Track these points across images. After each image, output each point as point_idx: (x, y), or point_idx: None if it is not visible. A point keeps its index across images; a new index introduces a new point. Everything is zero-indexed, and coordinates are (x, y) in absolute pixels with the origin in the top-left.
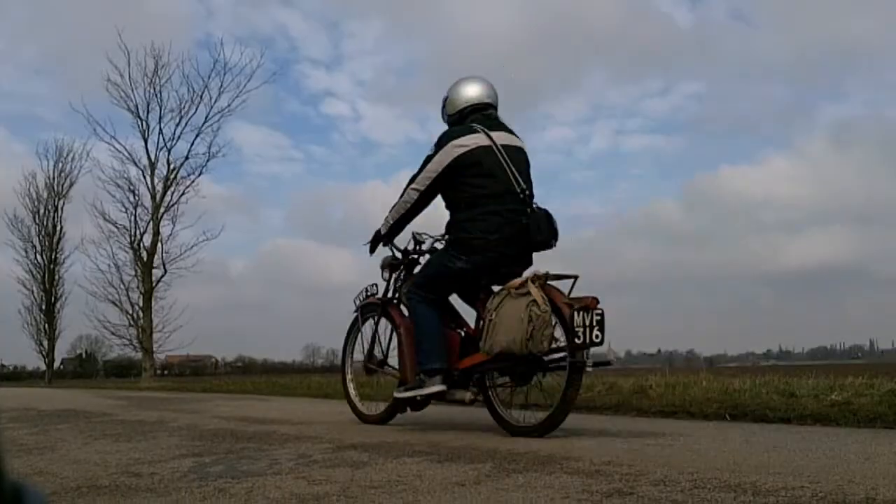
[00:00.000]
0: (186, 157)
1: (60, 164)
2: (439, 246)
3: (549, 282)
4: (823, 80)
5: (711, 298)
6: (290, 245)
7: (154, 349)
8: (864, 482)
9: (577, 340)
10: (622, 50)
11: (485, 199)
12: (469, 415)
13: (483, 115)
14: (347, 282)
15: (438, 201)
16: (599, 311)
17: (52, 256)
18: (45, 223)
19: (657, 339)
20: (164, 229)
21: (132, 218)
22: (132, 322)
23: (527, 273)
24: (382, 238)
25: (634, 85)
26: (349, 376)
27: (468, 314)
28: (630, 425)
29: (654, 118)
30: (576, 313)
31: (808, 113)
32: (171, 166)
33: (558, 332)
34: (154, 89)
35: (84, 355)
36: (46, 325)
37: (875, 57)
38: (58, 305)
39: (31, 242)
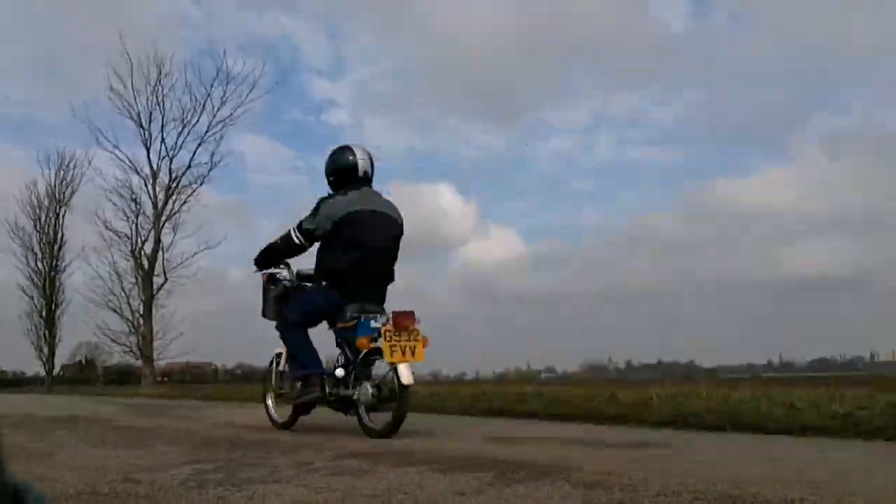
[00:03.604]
0: (188, 167)
1: (62, 173)
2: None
3: None
4: (821, 87)
5: (712, 309)
6: None
7: (154, 356)
8: (864, 495)
9: None
10: (621, 56)
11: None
12: (471, 424)
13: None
14: None
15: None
16: None
17: (53, 264)
18: (46, 231)
19: (658, 350)
20: (166, 238)
21: (133, 226)
22: (132, 329)
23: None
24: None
25: (632, 94)
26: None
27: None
28: (630, 436)
29: (653, 128)
30: None
31: (806, 121)
32: (173, 175)
33: None
34: (157, 98)
35: (84, 362)
36: (46, 332)
37: (873, 64)
38: (58, 312)
39: (32, 250)
